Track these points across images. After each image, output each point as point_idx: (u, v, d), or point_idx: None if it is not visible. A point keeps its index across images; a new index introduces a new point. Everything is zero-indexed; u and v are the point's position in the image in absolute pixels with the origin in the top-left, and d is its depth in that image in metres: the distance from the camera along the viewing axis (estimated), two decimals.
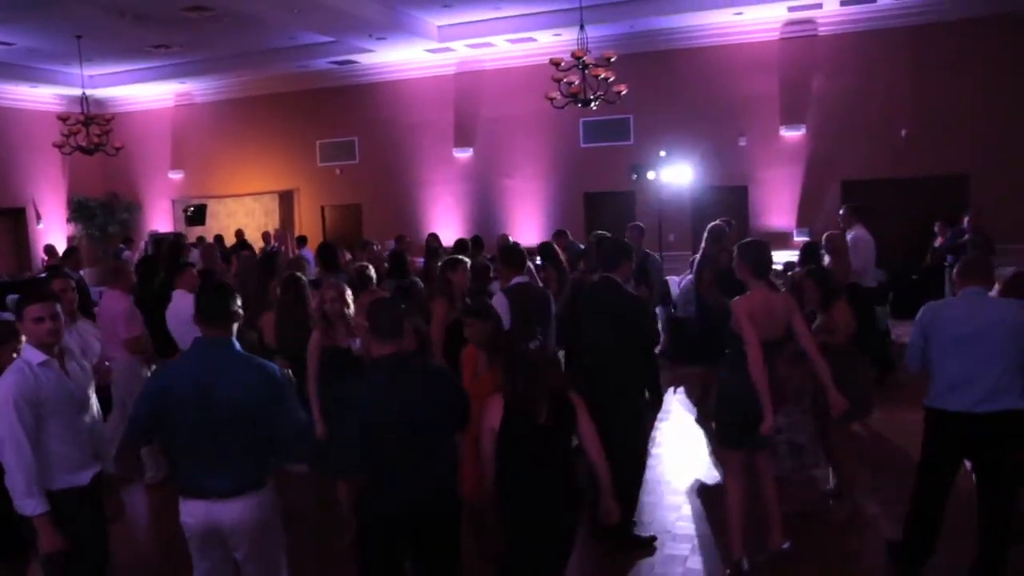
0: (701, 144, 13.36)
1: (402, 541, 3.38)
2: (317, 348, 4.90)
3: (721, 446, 4.75)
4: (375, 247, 9.52)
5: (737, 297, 4.50)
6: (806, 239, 12.48)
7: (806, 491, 5.55)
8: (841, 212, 8.67)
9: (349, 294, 5.02)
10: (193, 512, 3.30)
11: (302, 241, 13.46)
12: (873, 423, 6.80)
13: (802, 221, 13.03)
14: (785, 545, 4.60)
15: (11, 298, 12.43)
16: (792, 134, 13.12)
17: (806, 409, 5.02)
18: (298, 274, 5.83)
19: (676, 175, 12.63)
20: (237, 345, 3.43)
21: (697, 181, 13.08)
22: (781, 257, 12.68)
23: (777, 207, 13.31)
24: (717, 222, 7.51)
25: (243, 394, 3.24)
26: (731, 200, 13.26)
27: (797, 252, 12.48)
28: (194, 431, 3.25)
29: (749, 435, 4.41)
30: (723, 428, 4.61)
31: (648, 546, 4.96)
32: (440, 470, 3.38)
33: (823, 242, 7.46)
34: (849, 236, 7.97)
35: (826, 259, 7.20)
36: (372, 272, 5.91)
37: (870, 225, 8.43)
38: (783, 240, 12.99)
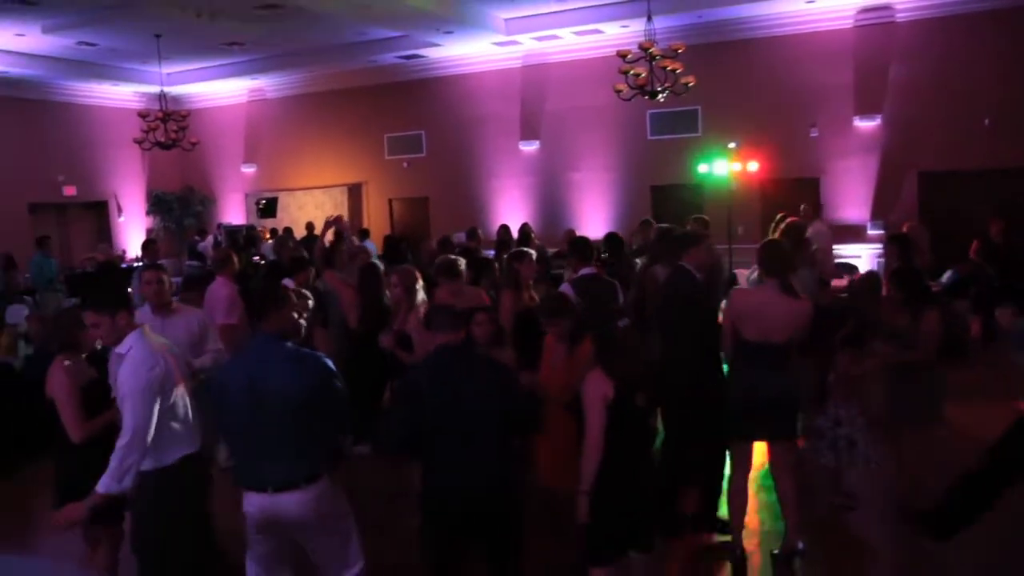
0: (771, 135, 13.11)
1: (461, 529, 3.42)
2: (395, 334, 5.06)
3: (728, 436, 4.74)
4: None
5: (735, 288, 4.53)
6: (880, 232, 12.21)
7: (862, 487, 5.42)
8: (802, 208, 8.54)
9: (420, 284, 5.10)
10: (253, 503, 3.39)
11: (365, 234, 13.66)
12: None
13: (876, 213, 12.67)
14: (800, 546, 4.55)
15: None
16: (867, 124, 12.74)
17: (864, 410, 4.97)
18: (376, 262, 5.96)
19: (745, 167, 12.42)
20: (286, 341, 3.49)
21: (767, 173, 12.84)
22: (854, 251, 12.45)
23: (850, 199, 12.96)
24: (795, 218, 7.35)
25: (291, 388, 3.30)
26: (802, 192, 12.94)
27: (872, 246, 12.30)
28: (248, 425, 3.34)
29: (752, 427, 4.45)
30: (727, 419, 4.59)
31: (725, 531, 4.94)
32: (494, 462, 3.38)
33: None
34: (810, 231, 7.88)
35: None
36: (462, 263, 5.96)
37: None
38: (856, 233, 12.70)
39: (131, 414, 3.36)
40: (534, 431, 3.58)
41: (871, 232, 12.60)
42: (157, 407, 3.41)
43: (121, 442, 3.35)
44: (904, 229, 9.03)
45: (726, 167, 12.50)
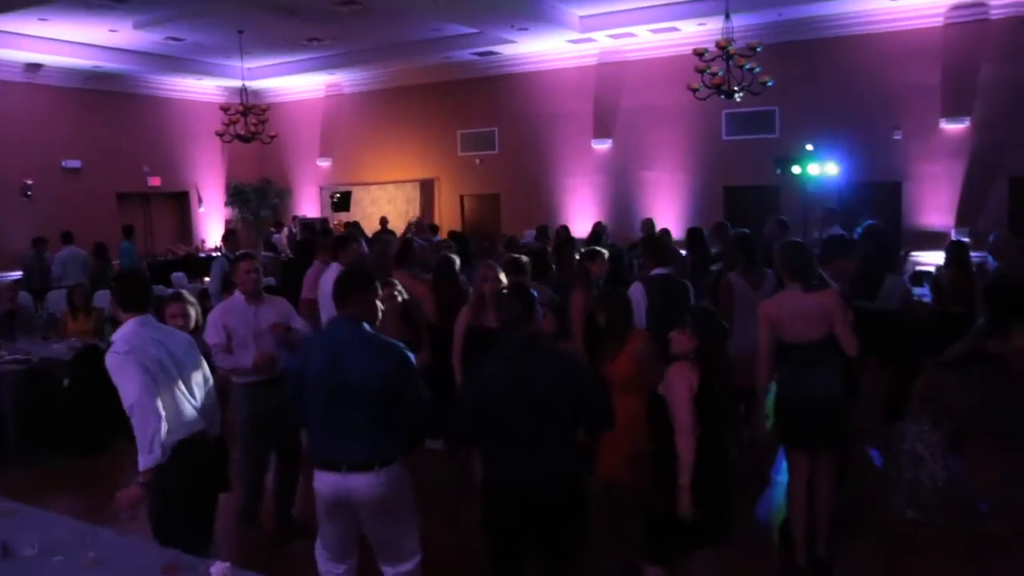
0: (851, 137, 12.76)
1: (519, 520, 3.42)
2: (464, 325, 5.07)
3: (781, 445, 4.68)
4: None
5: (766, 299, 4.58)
6: (965, 239, 11.76)
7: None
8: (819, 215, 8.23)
9: (504, 276, 5.12)
10: (325, 482, 3.46)
11: (434, 230, 13.79)
12: None
13: (962, 220, 12.20)
14: (819, 550, 4.51)
15: (176, 275, 13.32)
16: (954, 127, 12.28)
17: (935, 423, 4.80)
18: (451, 255, 6.02)
19: (823, 170, 12.12)
20: (367, 325, 3.54)
21: (845, 176, 12.50)
22: (936, 259, 12.00)
23: (934, 205, 12.52)
24: (875, 222, 7.14)
25: (370, 371, 3.36)
26: (882, 196, 12.59)
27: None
28: (324, 405, 3.41)
29: (804, 436, 4.40)
30: (779, 428, 4.54)
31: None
32: (557, 455, 3.38)
33: (989, 243, 6.95)
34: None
35: (990, 263, 6.74)
36: (527, 261, 5.96)
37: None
38: (939, 240, 12.23)
39: (121, 391, 3.53)
40: (606, 427, 3.57)
41: (955, 239, 12.16)
42: (145, 377, 3.50)
43: (133, 421, 3.49)
44: (991, 239, 8.72)
45: (803, 170, 12.22)
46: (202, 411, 3.80)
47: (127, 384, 3.50)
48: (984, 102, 12.04)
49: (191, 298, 4.59)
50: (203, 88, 18.12)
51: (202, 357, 3.93)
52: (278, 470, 5.24)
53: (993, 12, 11.90)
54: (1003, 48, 11.84)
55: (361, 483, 3.38)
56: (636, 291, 5.35)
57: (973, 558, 4.73)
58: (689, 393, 3.47)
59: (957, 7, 12.03)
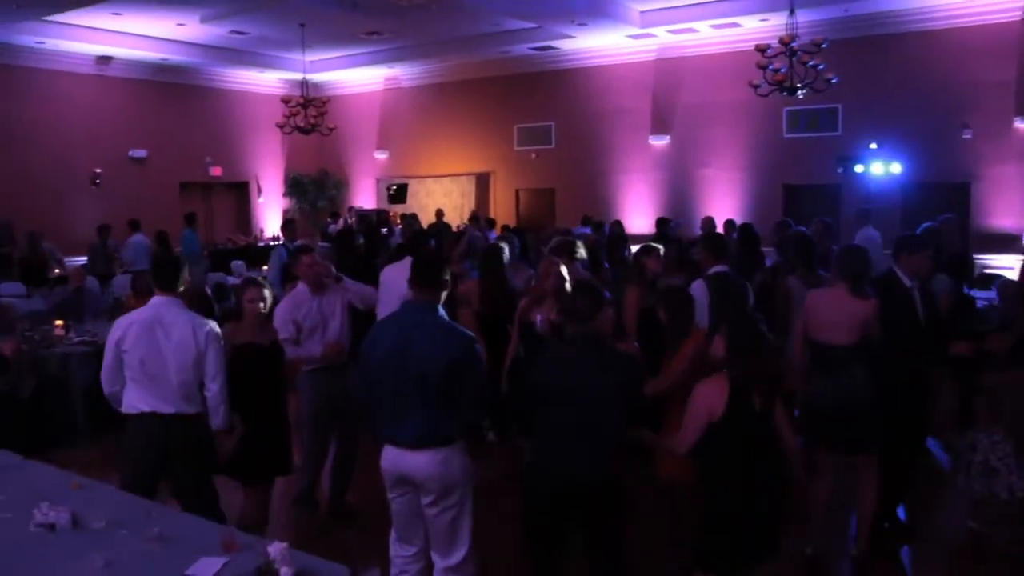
0: (917, 136, 12.42)
1: (563, 512, 3.47)
2: (520, 320, 5.16)
3: (809, 444, 4.58)
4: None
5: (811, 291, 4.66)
6: None
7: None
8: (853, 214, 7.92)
9: (566, 272, 5.12)
10: (387, 457, 3.58)
11: (490, 223, 13.83)
12: None
13: None
14: (851, 551, 4.50)
15: (235, 263, 13.60)
16: None
17: (1010, 433, 4.66)
18: (502, 244, 6.04)
19: (887, 169, 11.82)
20: (441, 311, 3.62)
21: (910, 176, 12.18)
22: (1006, 262, 11.62)
23: (1005, 207, 12.11)
24: (932, 223, 6.94)
25: (434, 355, 3.43)
26: (949, 197, 12.21)
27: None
28: (389, 383, 3.51)
29: (829, 437, 4.38)
30: (805, 426, 4.48)
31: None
32: (601, 451, 3.42)
33: None
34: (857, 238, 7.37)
35: None
36: (581, 246, 5.94)
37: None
38: (1009, 243, 11.86)
39: None
40: (643, 422, 3.59)
41: None
42: (111, 359, 4.03)
43: None
44: None
45: (866, 169, 11.93)
46: (171, 399, 4.00)
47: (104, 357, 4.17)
48: None
49: (265, 282, 4.70)
50: (265, 81, 18.45)
51: (208, 351, 4.03)
52: (336, 456, 5.33)
53: None
54: None
55: (420, 461, 3.47)
56: (698, 289, 5.28)
57: None
58: (707, 415, 3.36)
59: None
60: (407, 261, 5.98)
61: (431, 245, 6.37)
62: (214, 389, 4.04)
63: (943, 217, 7.87)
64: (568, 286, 5.06)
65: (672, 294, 4.54)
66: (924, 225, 6.59)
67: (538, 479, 3.52)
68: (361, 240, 9.01)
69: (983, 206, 12.28)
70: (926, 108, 12.47)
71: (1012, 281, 6.66)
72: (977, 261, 11.46)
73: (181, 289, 4.38)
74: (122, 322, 4.09)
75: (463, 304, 5.86)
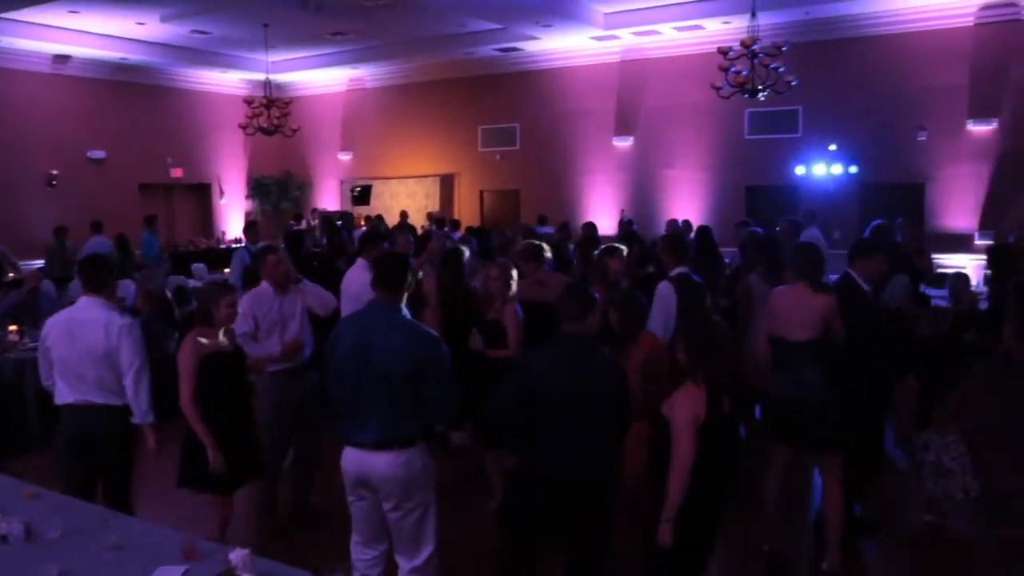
0: (874, 138, 12.66)
1: (553, 516, 3.44)
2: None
3: (767, 441, 4.69)
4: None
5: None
6: (989, 243, 11.64)
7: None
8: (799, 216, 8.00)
9: (515, 274, 5.14)
10: (348, 458, 3.55)
11: (454, 225, 13.82)
12: None
13: (986, 223, 12.06)
14: (825, 565, 4.45)
15: (196, 266, 13.40)
16: (981, 128, 12.13)
17: (963, 434, 4.79)
18: (460, 246, 6.05)
19: (845, 170, 12.03)
20: (405, 311, 3.60)
21: (868, 177, 12.40)
22: (958, 261, 11.90)
23: (958, 207, 12.38)
24: (882, 222, 7.08)
25: (398, 354, 3.42)
26: (905, 198, 12.47)
27: (978, 257, 11.74)
28: (351, 384, 3.48)
29: (788, 433, 4.42)
30: (765, 421, 4.57)
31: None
32: (605, 451, 3.42)
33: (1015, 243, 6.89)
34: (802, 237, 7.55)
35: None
36: (547, 250, 5.97)
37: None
38: (962, 243, 12.13)
39: None
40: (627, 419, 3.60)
41: (978, 242, 12.02)
42: (41, 357, 4.33)
43: None
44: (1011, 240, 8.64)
45: (825, 169, 12.13)
46: (91, 392, 4.19)
47: None
48: (1013, 104, 11.89)
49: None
50: (227, 81, 18.24)
51: (122, 345, 4.15)
52: (297, 458, 5.29)
53: None
54: None
55: (381, 463, 3.45)
56: (665, 289, 5.32)
57: (987, 564, 4.70)
58: (694, 422, 3.29)
59: (988, 7, 11.88)
60: (361, 263, 5.98)
61: (385, 247, 6.33)
62: (129, 382, 4.15)
63: (898, 221, 8.06)
64: (514, 287, 5.09)
65: (623, 300, 4.52)
66: (874, 223, 6.72)
67: (532, 483, 3.44)
68: (324, 242, 8.97)
69: (937, 206, 12.54)
70: (883, 110, 12.70)
71: (963, 277, 6.80)
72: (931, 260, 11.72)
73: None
74: (49, 322, 4.32)
75: (426, 304, 5.86)
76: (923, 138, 12.54)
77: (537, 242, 5.90)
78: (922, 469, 4.91)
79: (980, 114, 12.08)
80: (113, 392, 4.18)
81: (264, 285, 5.04)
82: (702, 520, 3.39)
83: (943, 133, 12.39)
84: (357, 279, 5.73)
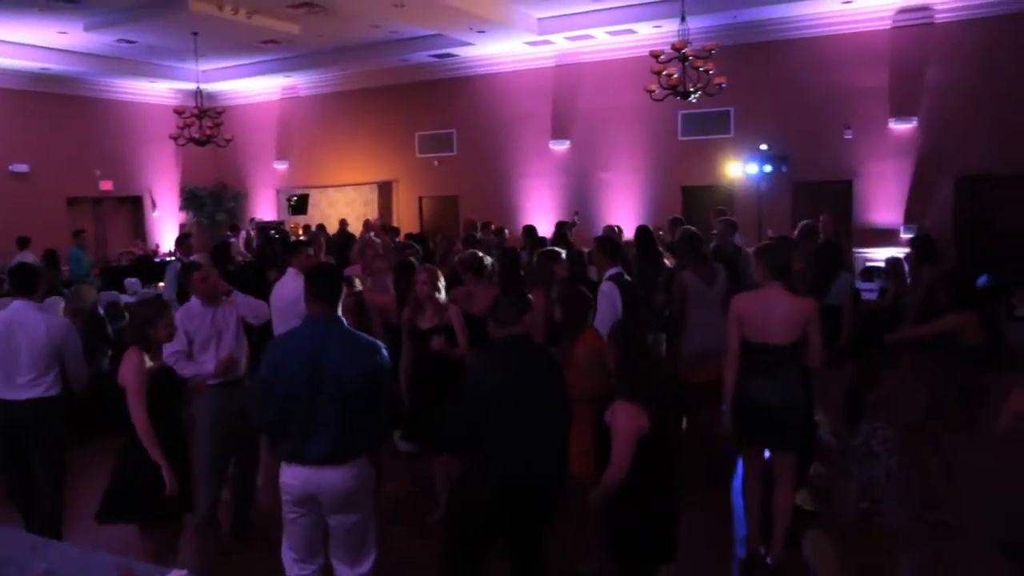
0: (803, 137, 13.00)
1: (503, 519, 3.45)
2: (406, 327, 5.16)
3: (739, 442, 4.69)
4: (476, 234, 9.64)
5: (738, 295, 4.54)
6: (913, 235, 12.07)
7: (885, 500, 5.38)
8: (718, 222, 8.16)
9: (441, 280, 5.15)
10: (293, 475, 3.49)
11: (393, 232, 13.72)
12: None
13: (910, 218, 12.50)
14: (769, 559, 4.50)
15: (129, 281, 13.03)
16: (902, 127, 12.57)
17: (890, 420, 4.97)
18: (410, 259, 6.03)
19: (777, 169, 12.33)
20: (344, 322, 3.59)
21: (798, 175, 12.73)
22: (886, 255, 12.29)
23: (883, 203, 12.80)
24: (808, 221, 7.31)
25: (349, 371, 3.41)
26: (834, 195, 12.84)
27: (904, 250, 12.15)
28: (302, 402, 3.42)
29: (761, 435, 4.41)
30: (737, 426, 4.51)
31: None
32: (555, 453, 3.44)
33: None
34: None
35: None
36: (488, 261, 5.99)
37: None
38: (889, 237, 12.54)
39: None
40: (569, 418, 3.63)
41: (904, 236, 12.45)
42: None
43: None
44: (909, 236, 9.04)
45: (757, 169, 12.41)
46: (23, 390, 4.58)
47: None
48: (930, 103, 12.35)
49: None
50: (157, 91, 17.84)
51: (68, 343, 4.68)
52: (236, 475, 5.20)
53: (937, 16, 12.21)
54: (947, 51, 12.16)
55: (333, 477, 3.43)
56: (609, 287, 5.40)
57: (923, 543, 4.87)
58: (636, 435, 3.37)
59: (903, 11, 12.33)
60: (292, 273, 5.92)
61: (309, 254, 6.27)
62: (75, 369, 4.73)
63: (821, 217, 8.31)
64: (442, 292, 5.10)
65: (569, 294, 4.58)
66: (802, 223, 6.92)
67: (483, 487, 3.44)
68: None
69: (864, 202, 12.94)
70: (811, 111, 13.06)
71: (899, 261, 7.07)
72: (860, 255, 12.11)
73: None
74: None
75: (374, 315, 5.84)
76: (849, 137, 12.93)
77: (479, 253, 5.91)
78: (852, 455, 5.07)
79: (900, 113, 12.51)
80: (45, 386, 4.61)
81: (194, 300, 4.95)
82: (648, 517, 3.45)
83: (867, 132, 12.80)
84: (288, 291, 5.68)
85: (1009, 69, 11.75)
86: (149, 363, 4.01)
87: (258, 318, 5.19)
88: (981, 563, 4.64)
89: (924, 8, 12.19)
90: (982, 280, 9.71)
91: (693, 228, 6.47)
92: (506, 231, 10.81)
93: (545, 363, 3.53)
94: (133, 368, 3.94)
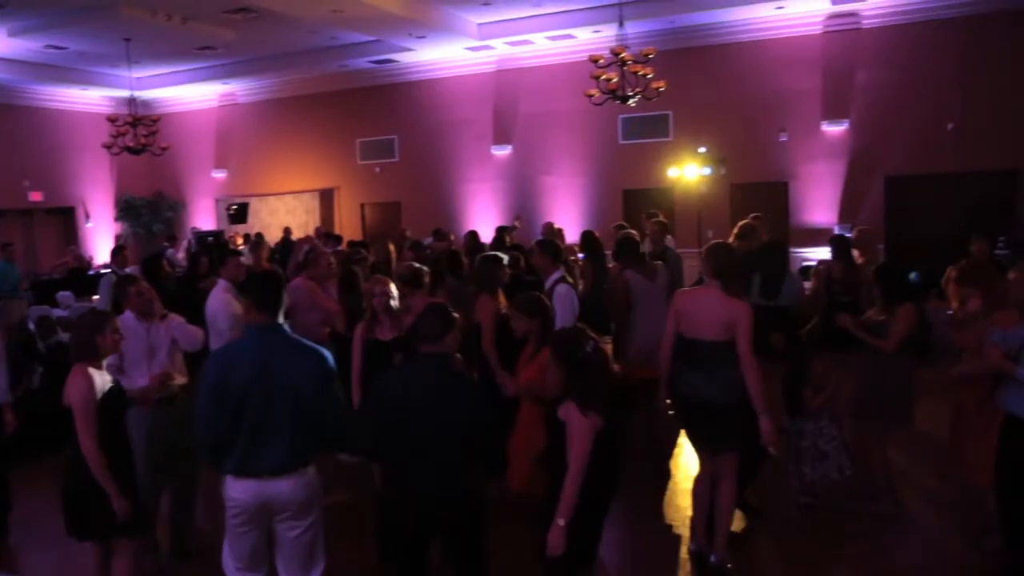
0: (741, 140, 13.27)
1: (424, 530, 3.43)
2: (361, 339, 5.03)
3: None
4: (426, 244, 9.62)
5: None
6: (848, 235, 12.40)
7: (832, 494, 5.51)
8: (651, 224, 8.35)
9: (394, 289, 5.11)
10: (243, 489, 3.41)
11: (336, 239, 13.58)
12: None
13: (844, 217, 12.85)
14: (713, 558, 4.54)
15: (62, 295, 12.62)
16: (834, 129, 12.94)
17: (832, 416, 5.09)
18: (354, 268, 5.96)
19: (715, 171, 12.55)
20: (288, 329, 3.54)
21: (736, 177, 12.99)
22: (821, 254, 12.60)
23: (818, 203, 13.15)
24: (748, 220, 7.46)
25: (298, 377, 3.37)
26: (771, 196, 13.14)
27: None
28: (252, 414, 3.35)
29: (701, 433, 4.47)
30: (681, 422, 4.59)
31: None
32: (457, 472, 3.36)
33: (855, 236, 7.42)
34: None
35: (855, 253, 7.21)
36: (425, 272, 5.96)
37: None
38: (825, 236, 12.83)
39: None
40: (496, 469, 3.58)
41: (842, 234, 12.80)
42: None
43: None
44: (854, 234, 9.31)
45: (696, 171, 12.62)
46: None
47: None
48: (860, 105, 12.74)
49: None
50: (88, 98, 17.36)
51: None
52: (175, 493, 5.06)
53: (864, 22, 12.61)
54: (875, 55, 12.57)
55: (283, 487, 3.40)
56: (565, 290, 5.45)
57: (864, 536, 4.99)
58: (592, 433, 3.36)
59: (833, 16, 12.69)
60: (222, 284, 5.80)
61: (239, 263, 6.16)
62: None
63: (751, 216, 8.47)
64: (395, 302, 5.06)
65: (537, 302, 4.55)
66: (741, 223, 7.06)
67: (396, 501, 3.43)
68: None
69: (800, 203, 13.27)
70: (748, 113, 13.34)
71: (835, 265, 7.27)
72: (797, 255, 12.41)
73: None
74: None
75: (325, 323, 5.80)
76: (784, 139, 13.25)
77: (416, 265, 5.88)
78: (800, 455, 5.16)
79: (833, 116, 12.88)
80: None
81: (128, 314, 4.81)
82: (587, 529, 3.46)
83: (801, 134, 13.14)
84: (216, 303, 5.57)
85: (932, 73, 12.20)
86: (99, 379, 3.84)
87: (192, 346, 4.99)
88: (920, 554, 4.77)
89: (852, 14, 12.57)
90: (914, 276, 10.02)
91: (632, 231, 6.57)
92: (452, 236, 10.78)
93: (461, 384, 3.46)
94: (81, 390, 3.74)
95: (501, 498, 4.56)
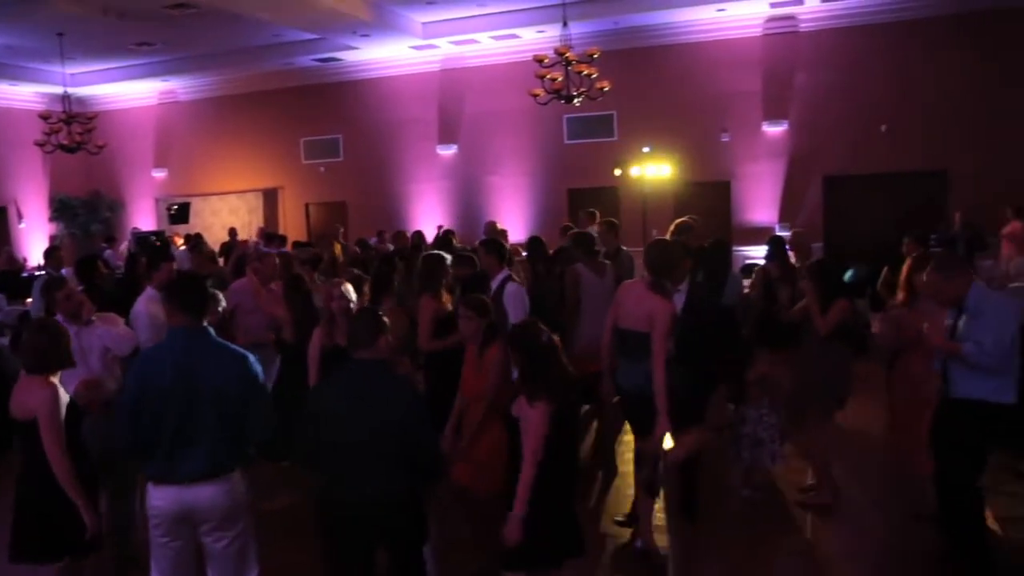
0: (684, 140, 13.46)
1: (356, 539, 3.39)
2: (318, 345, 4.96)
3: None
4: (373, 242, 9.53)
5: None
6: (788, 234, 12.66)
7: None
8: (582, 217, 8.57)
9: (353, 293, 5.07)
10: (163, 496, 3.36)
11: (281, 240, 13.40)
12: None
13: (784, 216, 13.14)
14: (637, 544, 4.71)
15: None
16: (774, 130, 13.22)
17: (772, 406, 5.23)
18: (301, 274, 5.90)
19: (659, 171, 12.71)
20: (213, 333, 3.49)
21: (680, 177, 13.17)
22: (762, 253, 12.84)
23: (759, 202, 13.42)
24: (685, 219, 7.58)
25: (223, 382, 3.33)
26: (714, 195, 13.37)
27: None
28: (174, 418, 3.30)
29: (630, 419, 4.66)
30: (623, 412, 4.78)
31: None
32: (392, 476, 3.34)
33: (790, 238, 7.63)
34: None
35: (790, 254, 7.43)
36: (365, 282, 5.91)
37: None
38: (765, 235, 13.07)
39: None
40: (433, 475, 3.59)
41: (779, 234, 13.06)
42: None
43: None
44: (788, 234, 9.54)
45: (641, 171, 12.76)
46: None
47: None
48: (799, 107, 13.04)
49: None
50: (20, 94, 16.79)
51: None
52: (111, 501, 4.93)
53: (802, 25, 12.92)
54: (812, 58, 12.89)
55: (205, 494, 3.33)
56: (516, 289, 5.48)
57: (801, 526, 5.12)
58: (545, 422, 3.40)
59: (772, 19, 12.96)
60: (150, 292, 5.62)
61: (171, 270, 6.00)
62: None
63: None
64: (354, 305, 5.03)
65: (484, 303, 4.56)
66: (678, 221, 7.17)
67: (334, 507, 3.40)
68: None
69: (742, 202, 13.52)
70: (691, 114, 13.54)
71: (772, 265, 7.41)
72: (739, 253, 12.63)
73: None
74: None
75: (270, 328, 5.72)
76: (726, 139, 13.49)
77: (355, 271, 5.84)
78: (739, 441, 5.30)
79: (772, 116, 13.16)
80: None
81: (58, 318, 4.68)
82: (555, 511, 3.49)
83: (743, 134, 13.39)
84: (140, 310, 5.41)
85: (867, 75, 12.55)
86: (61, 389, 3.68)
87: (122, 351, 4.86)
88: (856, 542, 4.90)
89: (790, 17, 12.86)
90: (850, 274, 10.28)
91: (581, 229, 6.64)
92: (385, 234, 10.72)
93: (395, 388, 3.43)
94: (45, 400, 3.55)
95: (447, 501, 4.57)
